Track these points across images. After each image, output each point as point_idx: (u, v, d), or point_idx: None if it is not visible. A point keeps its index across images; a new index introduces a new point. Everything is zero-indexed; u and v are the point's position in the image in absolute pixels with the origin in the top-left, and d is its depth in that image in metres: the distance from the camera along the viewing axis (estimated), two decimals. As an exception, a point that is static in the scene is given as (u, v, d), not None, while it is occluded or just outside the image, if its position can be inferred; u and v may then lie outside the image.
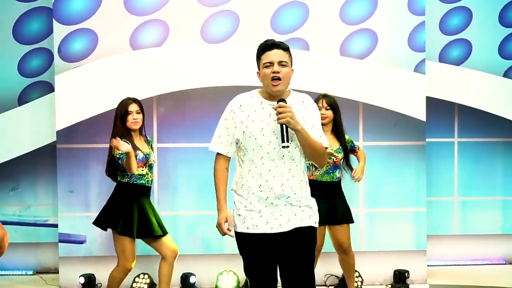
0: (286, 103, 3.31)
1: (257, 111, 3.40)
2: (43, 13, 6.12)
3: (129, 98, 4.93)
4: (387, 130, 5.94)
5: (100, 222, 4.91)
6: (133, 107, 4.86)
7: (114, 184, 5.66)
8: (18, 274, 6.19)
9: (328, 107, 5.04)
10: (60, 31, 5.71)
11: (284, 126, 3.26)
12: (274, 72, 3.31)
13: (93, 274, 5.71)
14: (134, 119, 4.83)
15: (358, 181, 5.09)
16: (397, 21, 5.96)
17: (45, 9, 6.10)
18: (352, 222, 5.12)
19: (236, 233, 3.49)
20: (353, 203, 5.82)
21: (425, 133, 6.01)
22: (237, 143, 3.45)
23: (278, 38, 5.58)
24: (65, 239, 5.79)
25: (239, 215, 3.44)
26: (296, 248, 3.38)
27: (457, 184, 6.57)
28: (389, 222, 5.91)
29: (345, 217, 5.09)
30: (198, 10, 5.83)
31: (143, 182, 4.85)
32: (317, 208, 3.50)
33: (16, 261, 6.18)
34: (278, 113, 3.25)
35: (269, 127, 3.36)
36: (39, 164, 6.20)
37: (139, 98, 5.64)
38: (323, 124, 4.72)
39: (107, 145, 5.69)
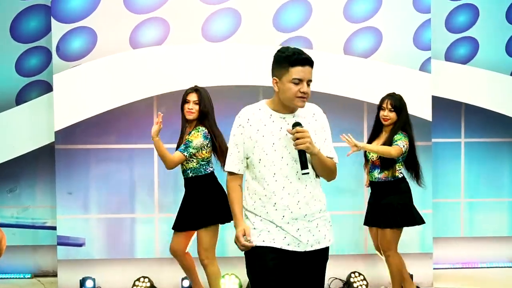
0: (302, 126, 3.20)
1: (267, 125, 3.28)
2: (41, 11, 6.16)
3: (192, 87, 4.96)
4: (413, 128, 5.77)
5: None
6: (192, 97, 4.89)
7: (113, 186, 5.74)
8: (16, 278, 6.22)
9: (392, 109, 5.07)
10: (58, 29, 5.74)
11: (302, 151, 3.18)
12: (303, 93, 3.19)
13: (93, 278, 5.73)
14: (189, 109, 4.88)
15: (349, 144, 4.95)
16: (402, 19, 6.00)
17: (43, 7, 6.14)
18: (394, 227, 5.10)
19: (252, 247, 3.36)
20: (358, 204, 5.93)
21: (431, 133, 6.03)
22: (247, 158, 3.34)
23: (280, 36, 5.88)
24: (64, 241, 5.82)
25: (254, 228, 3.34)
26: (311, 270, 3.36)
27: (463, 185, 6.60)
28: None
29: (388, 220, 5.10)
30: (199, 8, 5.86)
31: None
32: (331, 221, 3.46)
33: (14, 264, 6.19)
34: (296, 138, 3.15)
35: (280, 142, 3.26)
36: (37, 165, 6.24)
37: (139, 98, 5.78)
38: (384, 126, 5.08)
39: (107, 146, 5.83)
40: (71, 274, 5.78)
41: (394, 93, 5.19)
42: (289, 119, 3.27)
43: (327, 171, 3.34)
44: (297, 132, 3.14)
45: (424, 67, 6.00)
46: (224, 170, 3.47)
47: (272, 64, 3.30)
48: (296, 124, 3.20)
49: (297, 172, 3.24)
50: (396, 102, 5.09)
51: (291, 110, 3.28)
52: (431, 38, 6.04)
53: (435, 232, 6.28)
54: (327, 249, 3.41)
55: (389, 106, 5.08)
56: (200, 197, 4.93)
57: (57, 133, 5.81)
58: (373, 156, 5.14)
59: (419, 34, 6.01)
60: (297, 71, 3.18)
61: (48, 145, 6.15)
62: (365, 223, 5.33)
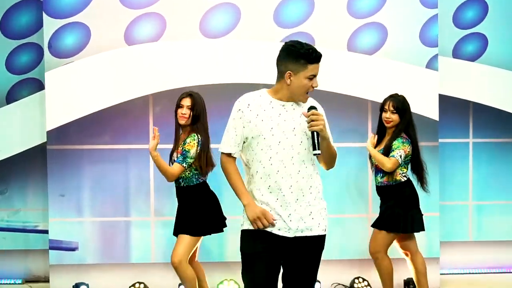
0: (316, 109, 3.42)
1: (267, 110, 3.48)
2: (32, 6, 6.12)
3: (186, 92, 5.04)
4: (417, 130, 5.78)
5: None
6: (185, 102, 4.95)
7: (107, 188, 5.80)
8: (6, 283, 6.19)
9: (394, 111, 5.09)
10: (50, 25, 5.72)
11: (315, 133, 3.39)
12: (314, 87, 3.47)
13: (86, 283, 5.72)
14: (182, 114, 4.93)
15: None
16: (408, 14, 5.98)
17: (35, 1, 6.11)
18: (386, 230, 5.13)
19: (242, 232, 3.56)
20: (361, 208, 5.95)
21: (437, 133, 6.02)
22: (244, 142, 3.52)
23: (282, 32, 5.84)
24: (56, 246, 5.80)
25: None
26: (303, 256, 3.51)
27: (471, 187, 6.57)
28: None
29: (382, 222, 5.14)
30: (197, 3, 5.85)
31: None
32: (326, 211, 3.59)
33: (4, 269, 6.19)
34: (311, 120, 3.37)
35: (278, 127, 3.45)
36: (29, 166, 6.20)
37: (134, 97, 5.78)
38: (387, 128, 5.11)
39: (101, 146, 5.84)
40: (64, 280, 5.76)
41: (396, 94, 5.19)
42: (288, 106, 3.48)
43: (331, 158, 3.55)
44: (312, 115, 3.37)
45: (431, 64, 5.98)
46: (219, 150, 3.60)
47: (285, 57, 3.45)
48: (312, 107, 3.43)
49: (292, 157, 3.44)
50: (399, 103, 5.09)
51: (292, 100, 3.49)
52: (438, 34, 6.02)
53: (442, 236, 6.27)
54: (320, 237, 3.53)
55: (391, 108, 5.09)
56: (191, 207, 4.97)
57: (49, 133, 5.79)
58: (375, 160, 5.16)
59: (426, 30, 5.99)
60: (314, 68, 3.43)
61: (40, 145, 6.12)
62: (373, 225, 5.31)
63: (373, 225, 5.24)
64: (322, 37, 5.90)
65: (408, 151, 5.10)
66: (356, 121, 5.83)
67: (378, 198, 5.78)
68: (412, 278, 5.45)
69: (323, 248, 3.58)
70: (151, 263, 5.82)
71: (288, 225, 3.45)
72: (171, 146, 5.61)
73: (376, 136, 5.18)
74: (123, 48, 5.80)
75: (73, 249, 5.83)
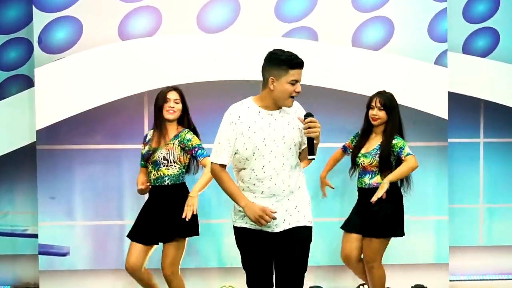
0: (313, 116, 3.78)
1: (257, 121, 3.83)
2: (21, -1, 6.11)
3: (168, 87, 5.08)
4: (404, 129, 5.76)
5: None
6: (172, 95, 4.98)
7: (100, 190, 5.83)
8: (-6, 290, 6.18)
9: (382, 108, 5.11)
10: (40, 19, 5.69)
11: (312, 139, 3.77)
12: (297, 92, 3.80)
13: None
14: (170, 107, 4.94)
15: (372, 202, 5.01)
16: (415, 7, 5.96)
17: (24, -6, 6.08)
18: (383, 236, 5.12)
19: (234, 228, 4.02)
20: None
21: (447, 132, 6.02)
22: (235, 153, 3.87)
23: (283, 27, 5.86)
24: (46, 251, 5.79)
25: (240, 211, 3.93)
26: (291, 246, 3.90)
27: (482, 189, 6.53)
28: (406, 232, 5.75)
29: (377, 229, 5.10)
30: (194, -4, 5.84)
31: (150, 180, 5.03)
32: (310, 205, 4.03)
33: (-8, 275, 6.20)
34: (308, 127, 3.74)
35: (270, 137, 3.83)
36: (17, 167, 6.15)
37: (128, 94, 5.78)
38: (374, 126, 5.15)
39: (93, 146, 5.82)
40: (54, 286, 5.76)
41: (384, 91, 5.22)
42: (276, 115, 3.86)
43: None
44: (310, 122, 3.75)
45: (440, 60, 5.96)
46: (211, 161, 3.95)
47: (268, 64, 3.83)
48: (308, 114, 3.80)
49: (283, 164, 3.85)
50: (386, 100, 5.12)
51: (278, 107, 3.86)
52: (448, 29, 6.00)
53: (452, 241, 6.23)
54: (307, 228, 3.95)
55: (378, 105, 5.11)
56: (176, 208, 4.90)
57: (39, 132, 5.77)
58: (363, 161, 5.13)
59: (435, 25, 5.97)
60: (295, 73, 3.77)
61: (29, 145, 6.06)
62: (345, 228, 5.23)
63: (356, 231, 5.15)
64: (325, 32, 5.89)
65: None
66: (361, 120, 5.57)
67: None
68: (422, 285, 5.41)
69: (310, 240, 3.97)
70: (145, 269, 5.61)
71: (278, 223, 3.87)
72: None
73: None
74: (116, 43, 5.78)
75: (64, 254, 5.80)
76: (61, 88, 5.75)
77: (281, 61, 3.76)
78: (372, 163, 5.10)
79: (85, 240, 5.83)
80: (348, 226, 5.21)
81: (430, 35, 5.97)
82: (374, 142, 5.16)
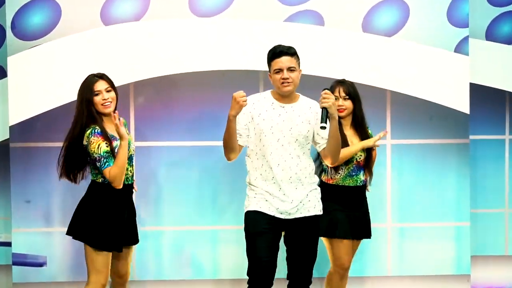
0: (329, 90, 4.36)
1: (268, 111, 4.43)
2: (-8, -20, 5.97)
3: (93, 75, 4.69)
4: (421, 125, 5.87)
5: (78, 233, 4.68)
6: (101, 85, 4.62)
7: (81, 192, 5.52)
8: (-37, 304, 6.04)
9: (347, 97, 5.12)
10: (13, 1, 5.66)
11: (325, 109, 4.26)
12: (283, 79, 4.37)
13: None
14: (104, 100, 4.60)
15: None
16: None
17: (-5, -26, 5.95)
18: (369, 237, 5.18)
19: (246, 213, 4.48)
20: (378, 215, 5.85)
21: (468, 128, 5.98)
22: (248, 136, 4.46)
23: (285, 10, 5.84)
24: (21, 260, 5.73)
25: (254, 197, 4.45)
26: (302, 234, 4.45)
27: (508, 192, 6.47)
28: (423, 240, 5.90)
29: (368, 230, 5.17)
30: (186, -24, 5.73)
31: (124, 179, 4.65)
32: (320, 195, 4.56)
33: (-40, 288, 6.08)
34: (323, 98, 4.26)
35: (278, 126, 4.40)
36: (-13, 167, 6.10)
37: None
38: (340, 117, 5.06)
39: None
40: None
41: (344, 79, 5.23)
42: (288, 108, 4.45)
43: (337, 146, 4.48)
44: (325, 94, 4.29)
45: (461, 48, 5.91)
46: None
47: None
48: (326, 89, 4.36)
49: (290, 153, 4.42)
50: (350, 88, 5.14)
51: (289, 100, 4.47)
52: (469, 13, 5.94)
53: (474, 250, 6.17)
54: (317, 217, 4.51)
55: (343, 94, 5.09)
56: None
57: (12, 128, 5.72)
58: (360, 156, 5.06)
59: (455, 8, 5.92)
60: (275, 63, 4.40)
61: (2, 143, 6.00)
62: (337, 234, 5.05)
63: (358, 237, 5.10)
64: (333, 16, 5.83)
65: None
66: (373, 113, 5.68)
67: (400, 204, 6.16)
68: None
69: (319, 228, 4.56)
70: (131, 281, 5.47)
71: (289, 210, 4.41)
72: (156, 143, 5.81)
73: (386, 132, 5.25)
74: (99, 29, 5.74)
75: (40, 265, 5.73)
76: (37, 79, 5.69)
77: (268, 56, 4.44)
78: (365, 156, 5.09)
79: (64, 249, 5.76)
80: (341, 233, 5.05)
81: (450, 20, 5.91)
82: (353, 135, 5.13)
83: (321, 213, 4.52)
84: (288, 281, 4.53)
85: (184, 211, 5.82)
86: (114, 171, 4.42)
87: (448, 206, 5.93)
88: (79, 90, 4.69)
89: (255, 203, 4.44)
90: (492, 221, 6.44)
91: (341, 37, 5.82)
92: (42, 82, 5.69)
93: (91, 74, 4.73)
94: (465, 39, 5.90)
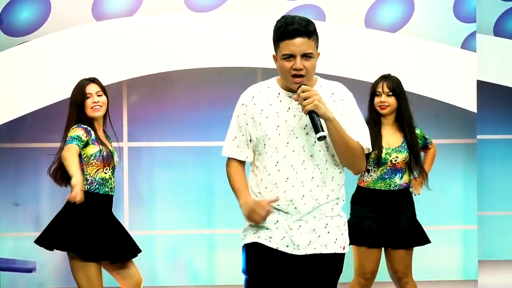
0: (306, 85, 3.19)
1: (273, 104, 3.33)
2: (-21, -27, 5.98)
3: (85, 79, 4.84)
4: (426, 124, 5.69)
5: (50, 241, 4.75)
6: (92, 88, 4.76)
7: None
8: (-51, 311, 6.04)
9: (390, 93, 5.00)
10: None
11: (314, 114, 3.15)
12: (295, 70, 3.22)
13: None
14: (94, 103, 4.74)
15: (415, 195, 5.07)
16: None
17: (-19, -33, 5.96)
18: (419, 244, 5.09)
19: (243, 246, 3.45)
20: None
21: (476, 128, 6.00)
22: (251, 141, 3.40)
23: (285, 4, 5.80)
24: (9, 266, 5.61)
25: (250, 225, 3.40)
26: (314, 278, 3.36)
27: None
28: (429, 244, 5.69)
29: (409, 238, 5.02)
30: (181, -32, 5.74)
31: (107, 190, 4.72)
32: (347, 226, 3.45)
33: None
34: (303, 100, 3.15)
35: (286, 124, 3.29)
36: (-26, 169, 6.08)
37: (105, 83, 5.67)
38: (383, 115, 5.05)
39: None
40: None
41: (389, 74, 5.14)
42: None
43: (349, 152, 3.30)
44: (302, 92, 3.16)
45: (468, 44, 5.93)
46: (223, 155, 3.49)
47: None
48: (299, 86, 3.21)
49: (304, 161, 3.29)
50: (394, 84, 5.04)
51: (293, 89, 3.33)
52: (477, 7, 5.97)
53: (481, 254, 6.17)
54: (337, 256, 3.39)
55: (386, 90, 5.00)
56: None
57: None
58: (397, 158, 4.98)
59: (461, 2, 5.95)
60: (285, 45, 3.21)
61: None
62: (365, 243, 5.03)
63: (408, 245, 5.03)
64: (334, 11, 5.84)
65: None
66: None
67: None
68: None
69: (341, 271, 3.43)
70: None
71: (297, 240, 3.31)
72: (150, 144, 5.89)
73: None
74: (90, 24, 5.75)
75: (29, 270, 5.60)
76: (26, 77, 5.69)
77: (274, 33, 3.27)
78: (405, 159, 4.98)
79: (54, 254, 5.49)
80: (368, 240, 4.99)
81: (456, 15, 5.93)
82: (392, 135, 5.04)
83: (344, 251, 3.42)
84: None
85: (178, 214, 5.83)
86: (68, 155, 4.48)
87: (454, 209, 5.97)
88: (71, 94, 4.83)
89: (252, 233, 3.43)
90: (500, 224, 6.49)
91: (343, 33, 5.81)
92: (31, 80, 5.68)
93: (84, 78, 4.87)
94: (472, 34, 5.91)
